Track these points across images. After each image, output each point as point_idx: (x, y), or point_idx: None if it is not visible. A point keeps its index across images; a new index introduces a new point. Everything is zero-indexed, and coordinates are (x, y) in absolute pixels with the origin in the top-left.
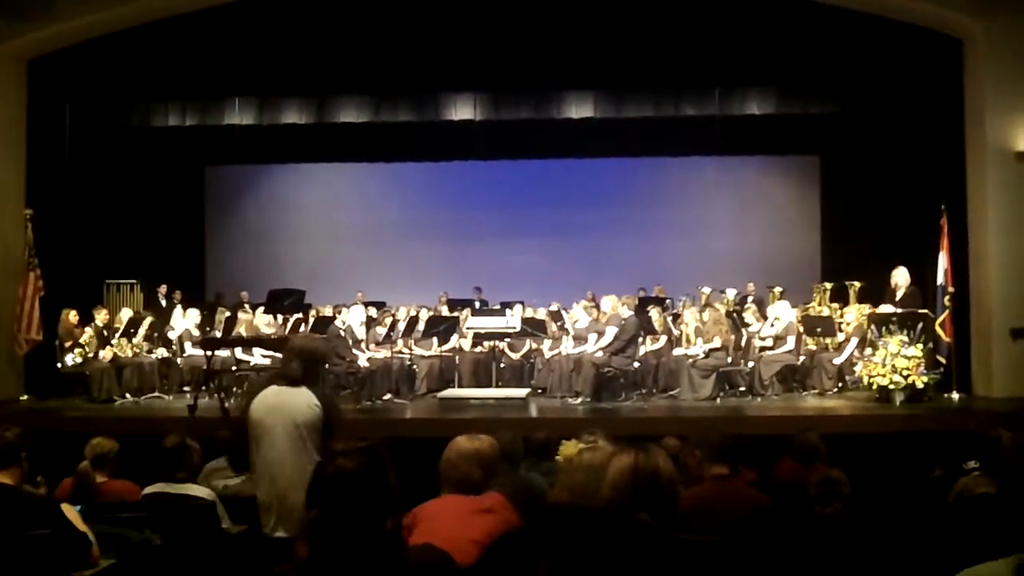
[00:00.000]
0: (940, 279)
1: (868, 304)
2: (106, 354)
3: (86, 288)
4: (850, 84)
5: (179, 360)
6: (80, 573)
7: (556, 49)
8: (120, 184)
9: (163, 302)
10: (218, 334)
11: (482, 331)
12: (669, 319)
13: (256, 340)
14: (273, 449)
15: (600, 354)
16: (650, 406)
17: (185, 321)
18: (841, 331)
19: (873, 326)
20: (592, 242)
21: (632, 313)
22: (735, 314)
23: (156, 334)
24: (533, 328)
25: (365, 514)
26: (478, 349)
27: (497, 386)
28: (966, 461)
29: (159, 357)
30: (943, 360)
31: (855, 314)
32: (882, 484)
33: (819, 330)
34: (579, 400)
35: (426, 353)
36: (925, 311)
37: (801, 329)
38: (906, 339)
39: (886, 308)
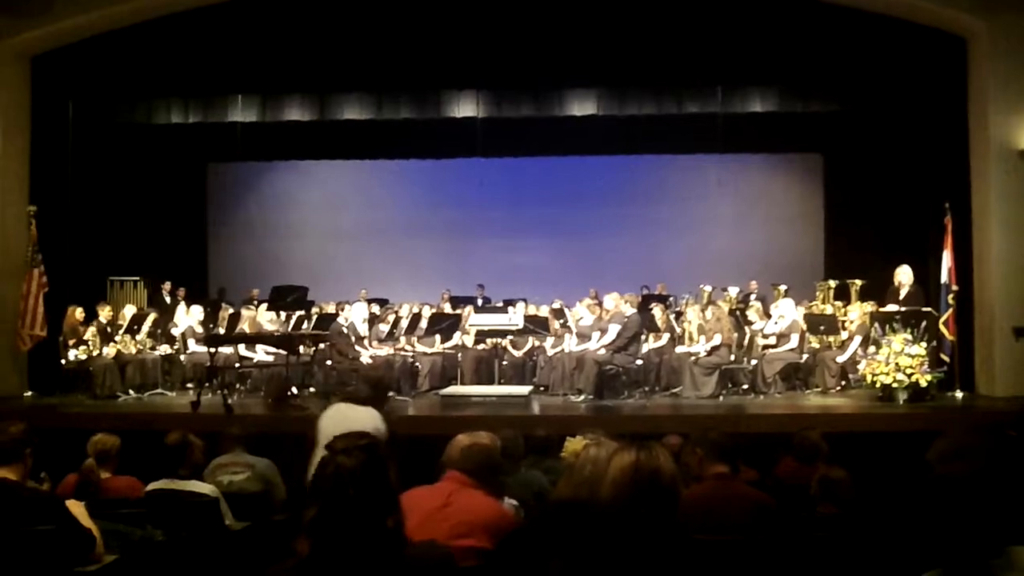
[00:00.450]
0: (944, 278)
1: (871, 302)
2: (109, 351)
3: (89, 285)
4: (853, 82)
5: (182, 357)
6: (83, 569)
7: (558, 46)
8: (123, 181)
9: (166, 299)
10: (221, 331)
11: (484, 328)
12: (672, 317)
13: (259, 337)
14: None
15: (602, 352)
16: (652, 404)
17: (188, 318)
18: (844, 329)
19: (876, 324)
20: (594, 240)
21: (635, 311)
22: (738, 312)
23: (159, 331)
24: (535, 326)
25: (366, 512)
26: (480, 346)
27: (499, 384)
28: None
29: (162, 354)
30: (946, 359)
31: (858, 312)
32: (884, 483)
33: (822, 328)
34: (581, 398)
35: (428, 350)
36: (928, 309)
37: (804, 327)
38: (909, 337)
39: (891, 307)
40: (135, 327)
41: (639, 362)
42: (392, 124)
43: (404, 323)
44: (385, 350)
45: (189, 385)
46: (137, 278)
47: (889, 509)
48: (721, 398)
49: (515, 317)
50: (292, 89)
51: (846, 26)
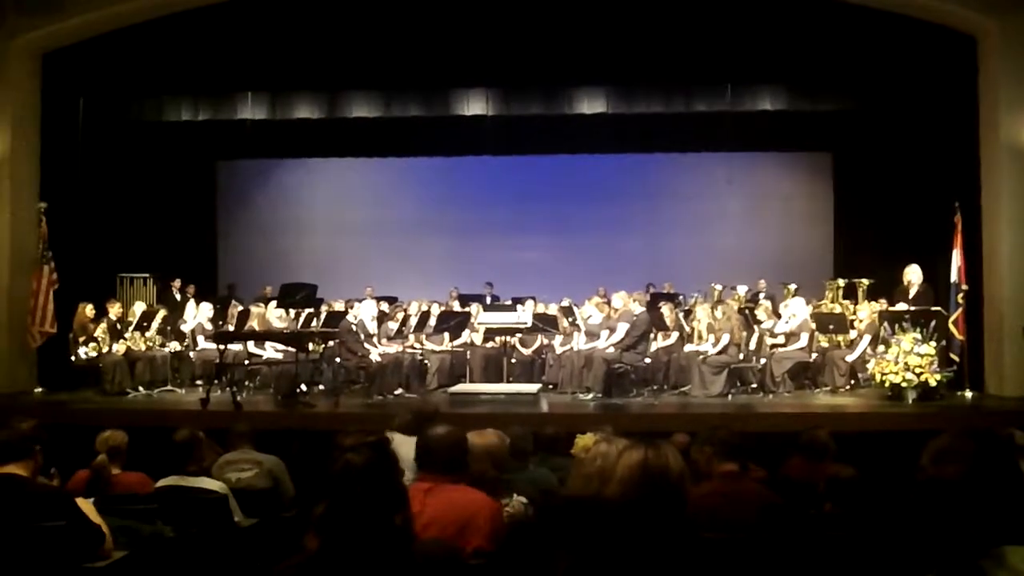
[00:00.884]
0: (953, 277)
1: (881, 301)
2: (119, 347)
3: (99, 282)
4: (863, 81)
5: (191, 354)
6: (92, 565)
7: (568, 45)
8: (133, 178)
9: (176, 296)
10: (230, 328)
11: (493, 326)
12: (680, 315)
13: (268, 334)
14: None
15: (611, 350)
16: (661, 402)
17: (198, 315)
18: (854, 328)
19: (886, 323)
20: (603, 238)
21: (643, 309)
22: (747, 311)
23: (169, 328)
24: (544, 324)
25: (374, 508)
26: (489, 344)
27: (508, 381)
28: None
29: (171, 351)
30: (956, 358)
31: (868, 311)
32: (892, 483)
33: (832, 327)
34: (590, 396)
35: (437, 348)
36: (938, 309)
37: (813, 326)
38: (919, 337)
39: (900, 306)
40: (145, 324)
41: (648, 360)
42: (401, 122)
43: (413, 321)
44: (394, 348)
45: (198, 382)
46: (147, 275)
47: (887, 510)
48: (730, 397)
49: (524, 315)
50: (301, 87)
51: (856, 24)
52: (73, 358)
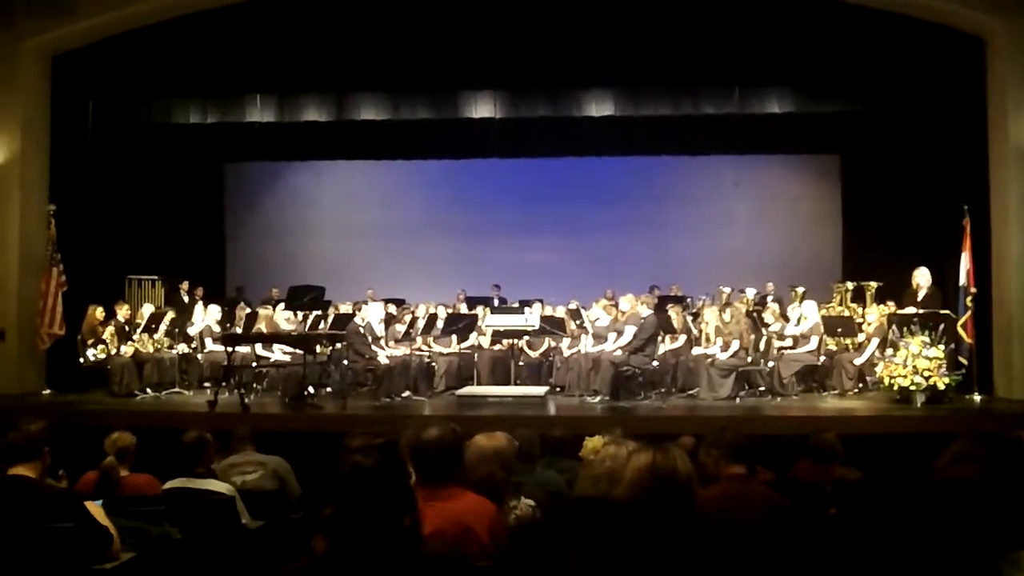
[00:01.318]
0: (962, 280)
1: (889, 304)
2: (127, 349)
3: (108, 284)
4: (871, 83)
5: (199, 356)
6: (100, 566)
7: (575, 47)
8: (141, 180)
9: (184, 298)
10: (238, 330)
11: (501, 329)
12: (688, 318)
13: (276, 336)
14: None
15: (619, 353)
16: (668, 405)
17: (206, 317)
18: (862, 331)
19: (894, 326)
20: (611, 240)
21: (651, 312)
22: (755, 314)
23: (177, 330)
24: (552, 326)
25: (383, 510)
26: (497, 347)
27: (515, 384)
28: None
29: (180, 352)
30: (964, 361)
31: (876, 314)
32: (900, 486)
33: (840, 330)
34: (597, 399)
35: (445, 350)
36: (946, 312)
37: (822, 329)
38: (927, 340)
39: (909, 309)
40: (153, 326)
41: (655, 363)
42: (409, 124)
43: (420, 323)
44: (401, 350)
45: (206, 384)
46: (155, 277)
47: (895, 513)
48: (738, 400)
49: (531, 318)
50: (309, 89)
51: (863, 26)
52: (81, 360)
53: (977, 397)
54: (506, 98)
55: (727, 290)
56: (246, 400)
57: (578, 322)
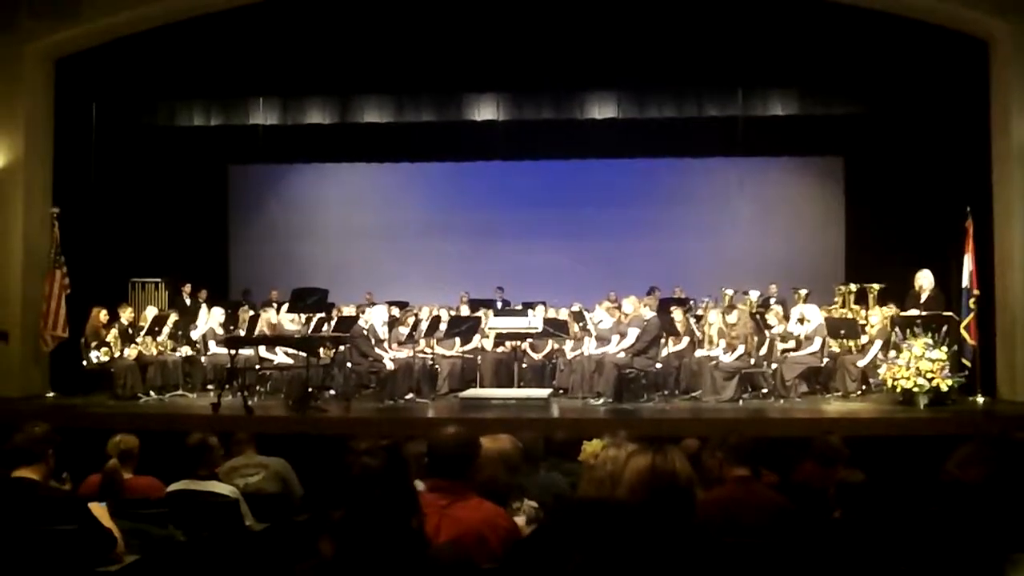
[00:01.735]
0: (965, 281)
1: (892, 306)
2: (131, 352)
3: (111, 286)
4: (874, 85)
5: (203, 358)
6: (104, 569)
7: (579, 49)
8: (145, 183)
9: (187, 301)
10: (242, 333)
11: (504, 331)
12: (691, 320)
13: (279, 339)
14: None
15: (622, 355)
16: (672, 407)
17: (209, 319)
18: (865, 333)
19: (897, 328)
20: (614, 243)
21: (654, 314)
22: (758, 315)
23: (180, 332)
24: (555, 328)
25: (392, 512)
26: (500, 349)
27: (519, 386)
28: None
29: (183, 355)
30: (967, 363)
31: (879, 316)
32: (905, 487)
33: (843, 332)
34: (600, 401)
35: (448, 353)
36: (949, 314)
37: (825, 331)
38: (930, 342)
39: (912, 311)
40: (156, 328)
41: (658, 365)
42: (413, 127)
43: (424, 325)
44: (405, 352)
45: (210, 387)
46: (159, 279)
47: (898, 515)
48: (741, 402)
49: (534, 320)
50: (313, 91)
51: (867, 28)
52: (85, 362)
53: (980, 399)
54: (509, 100)
55: (730, 292)
56: (249, 403)
57: (581, 324)
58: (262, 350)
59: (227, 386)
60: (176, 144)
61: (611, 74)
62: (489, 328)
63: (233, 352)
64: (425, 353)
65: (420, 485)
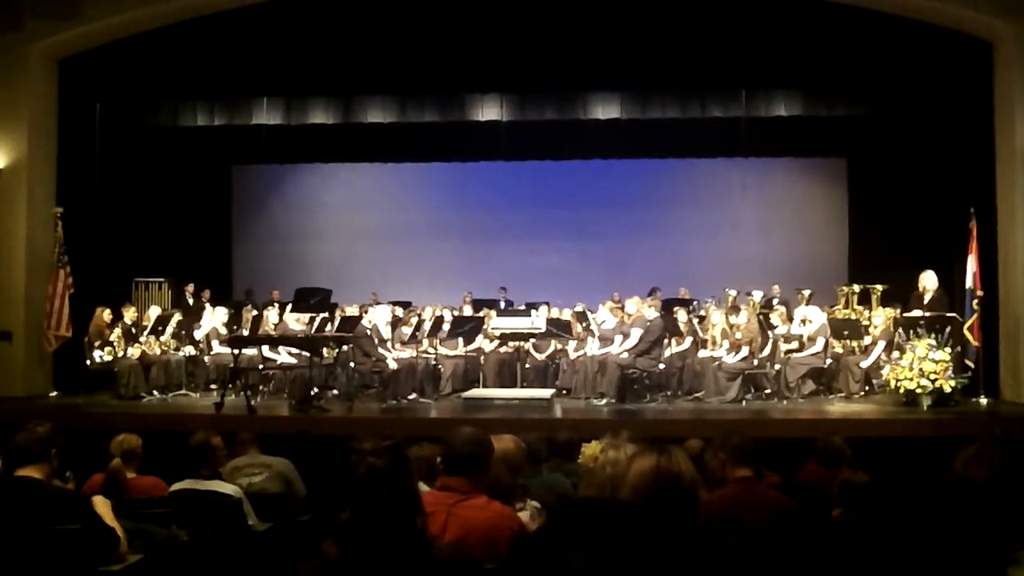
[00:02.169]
0: (969, 283)
1: (895, 306)
2: (134, 351)
3: (115, 286)
4: (878, 86)
5: (206, 358)
6: (107, 568)
7: (582, 50)
8: (148, 183)
9: (191, 300)
10: (245, 332)
11: (507, 331)
12: (695, 321)
13: (282, 339)
14: None
15: (625, 355)
16: (675, 408)
17: (212, 319)
18: (868, 334)
19: (900, 329)
20: (617, 243)
21: (657, 315)
22: (761, 316)
23: (184, 332)
24: (558, 329)
25: (397, 512)
26: (503, 349)
27: (522, 387)
28: None
29: (186, 355)
30: (971, 364)
31: (882, 317)
32: (908, 488)
33: (846, 333)
34: (603, 401)
35: (451, 353)
36: (953, 315)
37: (828, 332)
38: (934, 343)
39: (915, 312)
40: (159, 328)
41: (661, 366)
42: (416, 127)
43: (427, 326)
44: (408, 353)
45: (213, 386)
46: (162, 279)
47: (901, 515)
48: (744, 403)
49: (537, 320)
50: (316, 92)
51: (871, 30)
52: (88, 362)
53: (983, 400)
54: (513, 101)
55: (733, 293)
56: (252, 402)
57: (584, 325)
58: (265, 350)
59: (230, 386)
60: (179, 144)
61: (614, 75)
62: (492, 328)
63: (236, 352)
64: (428, 353)
65: (424, 488)
